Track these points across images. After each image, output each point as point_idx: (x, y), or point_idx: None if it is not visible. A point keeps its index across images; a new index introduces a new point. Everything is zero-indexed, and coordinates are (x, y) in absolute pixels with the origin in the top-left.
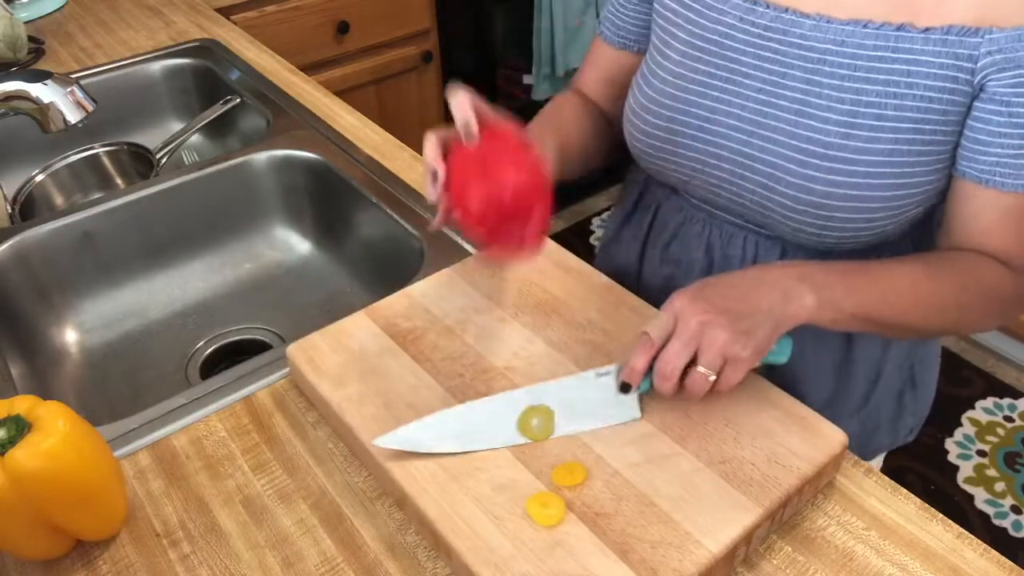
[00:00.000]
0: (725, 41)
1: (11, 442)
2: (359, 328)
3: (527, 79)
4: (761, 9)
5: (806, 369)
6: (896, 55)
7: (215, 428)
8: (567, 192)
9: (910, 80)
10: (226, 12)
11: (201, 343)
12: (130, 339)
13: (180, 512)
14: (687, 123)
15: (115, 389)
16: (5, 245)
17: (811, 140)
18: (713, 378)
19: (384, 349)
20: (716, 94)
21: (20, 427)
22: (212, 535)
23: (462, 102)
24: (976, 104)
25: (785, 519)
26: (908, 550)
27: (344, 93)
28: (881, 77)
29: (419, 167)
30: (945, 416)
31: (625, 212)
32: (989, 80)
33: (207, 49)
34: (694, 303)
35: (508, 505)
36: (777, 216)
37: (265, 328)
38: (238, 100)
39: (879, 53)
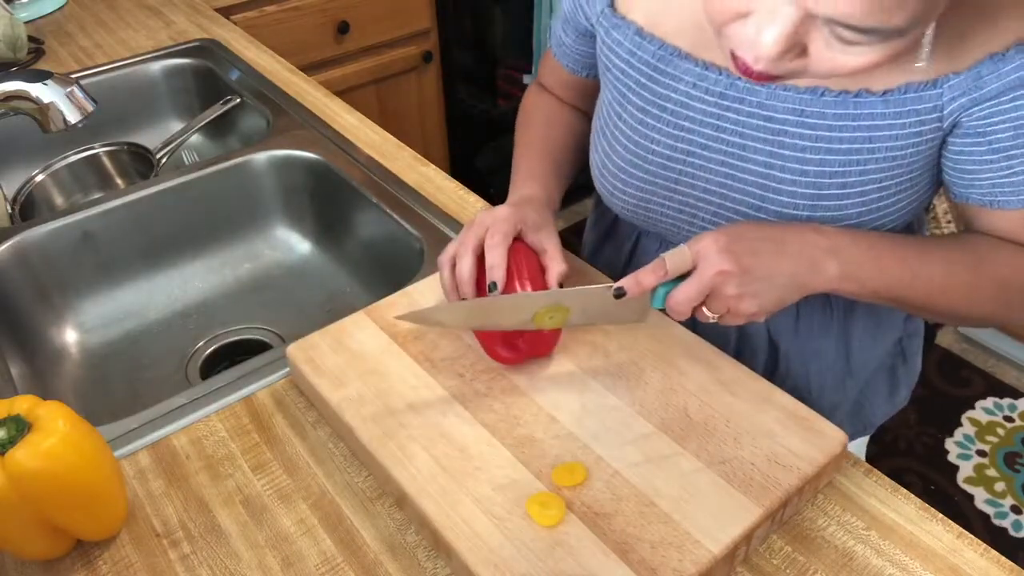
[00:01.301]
0: (680, 111)
1: (11, 442)
2: (359, 328)
3: (527, 79)
4: (714, 76)
5: (810, 374)
6: (857, 123)
7: (215, 428)
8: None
9: (872, 146)
10: (226, 12)
11: (201, 343)
12: (130, 339)
13: (180, 512)
14: (653, 192)
15: (115, 389)
16: (5, 245)
17: (780, 215)
18: (714, 319)
19: (384, 349)
20: (679, 167)
21: (20, 427)
22: (212, 535)
23: (497, 246)
24: (951, 140)
25: (785, 519)
26: (908, 550)
27: (344, 93)
28: (843, 147)
29: (419, 167)
30: (945, 416)
31: (597, 239)
32: (961, 118)
33: (207, 49)
34: (720, 254)
35: (508, 505)
36: None
37: (265, 328)
38: (238, 100)
39: (840, 123)
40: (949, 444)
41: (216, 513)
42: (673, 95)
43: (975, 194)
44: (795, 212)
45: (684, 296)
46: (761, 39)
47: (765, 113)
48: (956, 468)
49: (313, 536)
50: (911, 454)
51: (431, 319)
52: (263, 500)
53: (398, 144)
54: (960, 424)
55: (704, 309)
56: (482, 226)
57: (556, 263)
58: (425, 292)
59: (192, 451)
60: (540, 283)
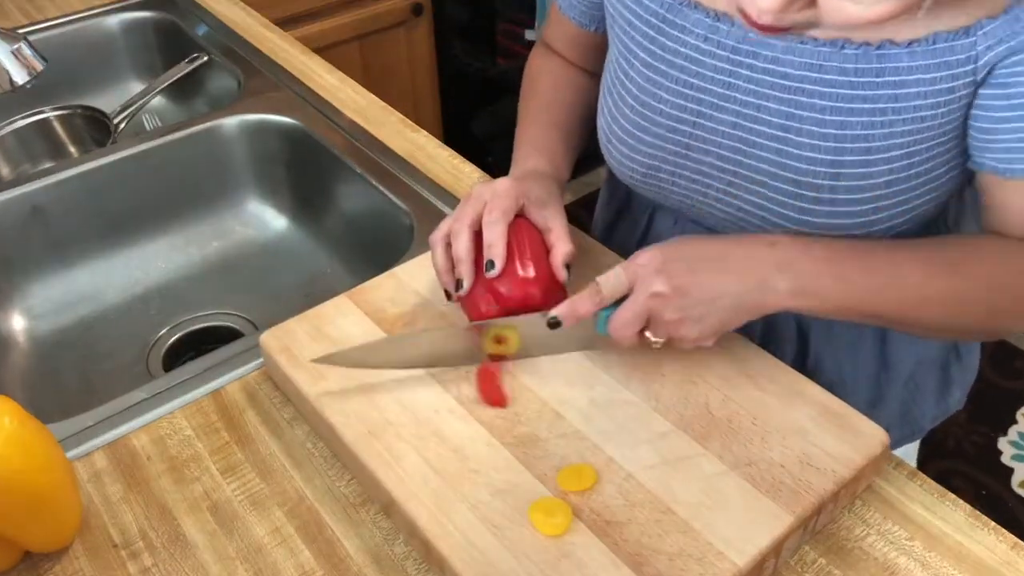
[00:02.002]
0: (690, 66)
1: None
2: (341, 314)
3: (529, 35)
4: (726, 27)
5: (842, 372)
6: (881, 78)
7: (180, 426)
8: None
9: (898, 105)
10: None
11: (164, 331)
12: (84, 326)
13: (141, 520)
14: (663, 159)
15: (67, 382)
16: None
17: (799, 183)
18: (659, 345)
19: (369, 337)
20: (688, 129)
21: None
22: (176, 546)
23: (496, 223)
24: (982, 91)
25: (819, 528)
26: (957, 562)
27: (324, 50)
28: (867, 106)
29: (408, 133)
30: (998, 413)
31: (609, 219)
32: (997, 69)
33: (171, 1)
34: (655, 275)
35: (508, 512)
36: (780, 231)
37: (236, 314)
38: (205, 58)
39: (862, 79)
40: (1003, 444)
41: (181, 521)
42: (682, 49)
43: (989, 159)
44: (815, 180)
45: (621, 321)
46: None
47: (780, 69)
48: (1010, 471)
49: (290, 547)
50: (960, 455)
51: (354, 360)
52: (233, 507)
53: (385, 107)
54: (1015, 422)
55: (647, 334)
56: (480, 200)
57: (562, 243)
58: (414, 273)
59: (154, 452)
60: (543, 264)
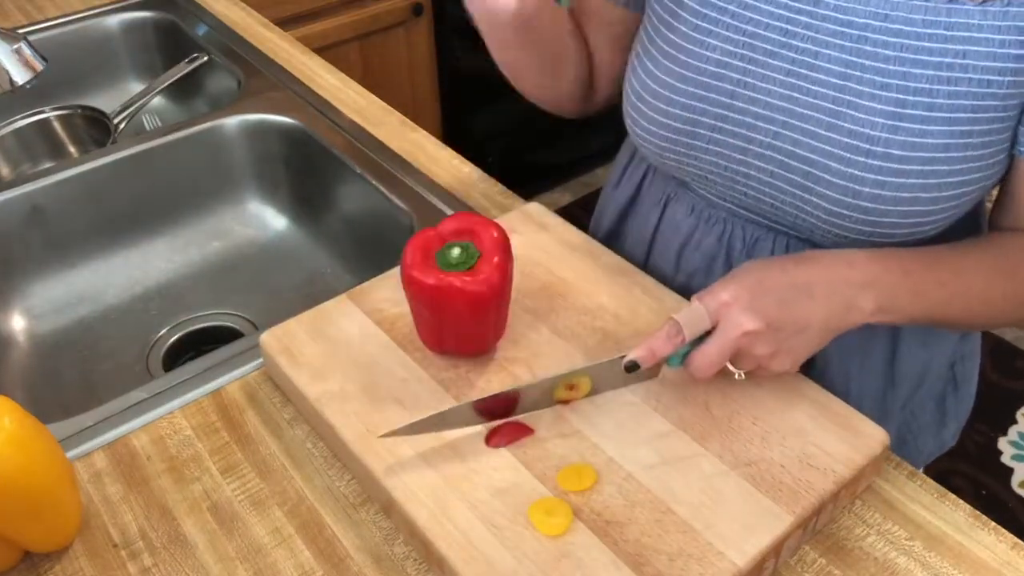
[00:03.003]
0: (743, 12)
1: None
2: (341, 314)
3: None
4: None
5: (849, 382)
6: (950, 32)
7: (180, 426)
8: (574, 162)
9: (965, 62)
10: None
11: (164, 331)
12: (84, 326)
13: (140, 520)
14: (704, 111)
15: (67, 382)
16: None
17: (853, 134)
18: (742, 377)
19: (369, 337)
20: (736, 76)
21: None
22: (176, 546)
23: None
24: None
25: (819, 528)
26: (957, 562)
27: (324, 50)
28: (933, 59)
29: (408, 133)
30: (998, 412)
31: (622, 205)
32: None
33: (171, 1)
34: (745, 312)
35: (508, 512)
36: (814, 219)
37: (236, 314)
38: (205, 58)
39: (929, 31)
40: (1003, 444)
41: (181, 521)
42: None
43: None
44: (872, 132)
45: (707, 361)
46: None
47: (843, 17)
48: (1011, 471)
49: (290, 547)
50: (960, 455)
51: (427, 428)
52: (233, 507)
53: (385, 107)
54: (1015, 421)
55: (730, 366)
56: None
57: None
58: None
59: (154, 452)
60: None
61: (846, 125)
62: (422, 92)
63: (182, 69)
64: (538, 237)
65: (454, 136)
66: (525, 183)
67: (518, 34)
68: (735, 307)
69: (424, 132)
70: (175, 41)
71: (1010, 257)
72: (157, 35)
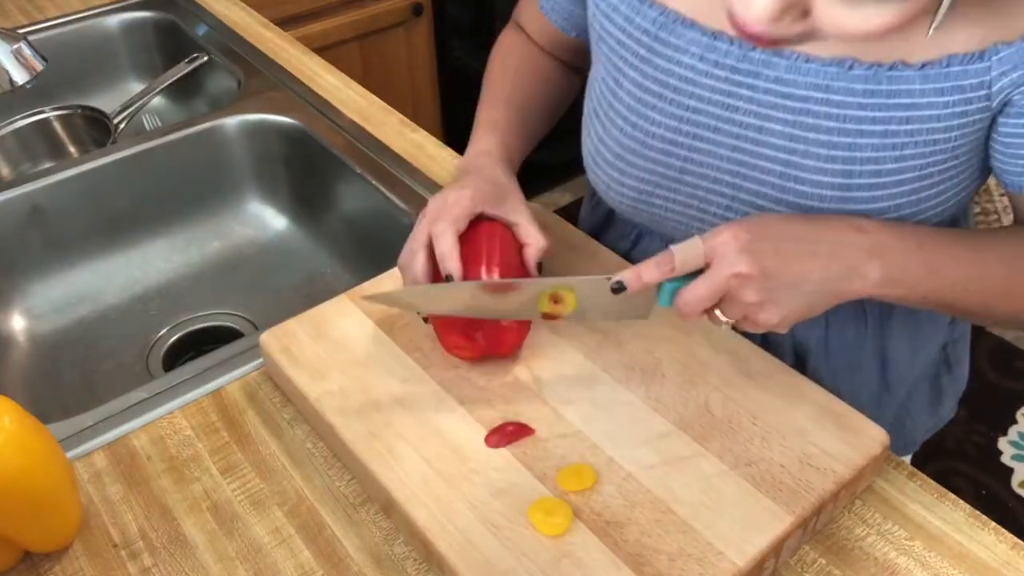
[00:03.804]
0: (685, 87)
1: None
2: (341, 314)
3: None
4: (724, 46)
5: (840, 392)
6: (892, 100)
7: (180, 426)
8: (574, 162)
9: (910, 127)
10: None
11: (164, 331)
12: (84, 326)
13: (140, 520)
14: (656, 183)
15: (67, 382)
16: None
17: (803, 208)
18: (728, 326)
19: (369, 337)
20: (684, 152)
21: None
22: (176, 546)
23: (443, 233)
24: (1001, 120)
25: (819, 528)
26: (957, 562)
27: (324, 50)
28: (877, 128)
29: (408, 133)
30: (998, 413)
31: (592, 230)
32: (1013, 95)
33: (171, 1)
34: (740, 254)
35: (508, 512)
36: None
37: (236, 314)
38: (205, 58)
39: (871, 100)
40: (1003, 444)
41: (181, 521)
42: (676, 69)
43: None
44: (820, 204)
45: (694, 296)
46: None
47: (784, 89)
48: (1010, 471)
49: (290, 547)
50: (960, 455)
51: (406, 301)
52: (233, 507)
53: (385, 107)
54: (1015, 421)
55: (717, 312)
56: (430, 216)
57: (535, 239)
58: None
59: (154, 452)
60: (515, 264)
61: (794, 200)
62: (422, 92)
63: (182, 69)
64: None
65: (454, 136)
66: (525, 183)
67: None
68: (732, 246)
69: (424, 132)
70: (175, 41)
71: None
72: (157, 35)
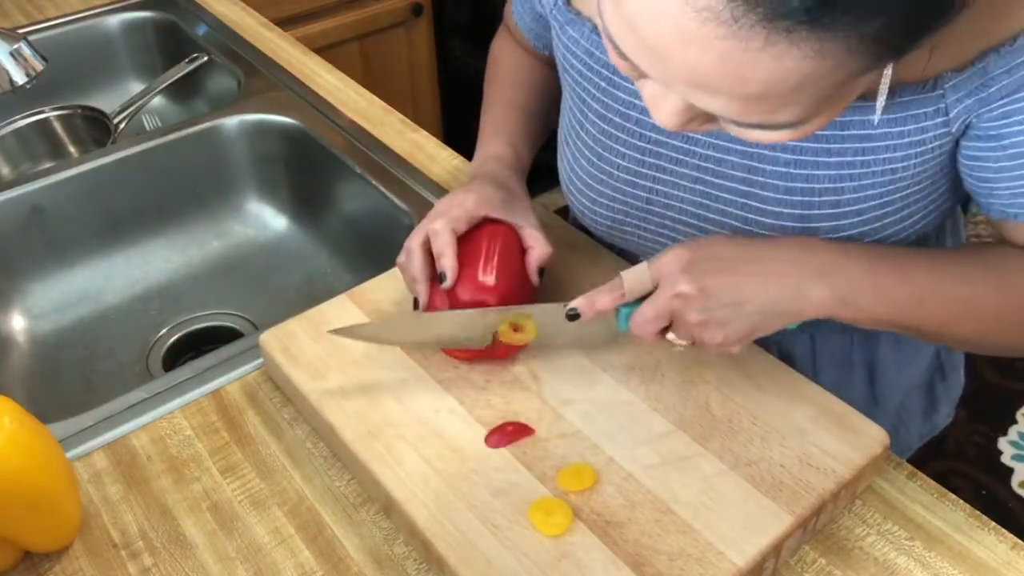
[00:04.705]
0: (646, 119)
1: None
2: (341, 314)
3: None
4: None
5: (829, 372)
6: (846, 132)
7: (180, 426)
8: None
9: (867, 158)
10: None
11: (164, 331)
12: (84, 326)
13: (140, 520)
14: (626, 212)
15: (67, 382)
16: None
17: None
18: (681, 348)
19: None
20: (649, 184)
21: None
22: (176, 546)
23: (440, 232)
24: (964, 143)
25: (819, 528)
26: (957, 562)
27: (324, 50)
28: (832, 159)
29: (408, 133)
30: (998, 413)
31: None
32: (971, 119)
33: (171, 1)
34: (680, 273)
35: (508, 512)
36: None
37: (236, 314)
38: (205, 58)
39: (826, 132)
40: (1003, 444)
41: (181, 521)
42: (637, 102)
43: (996, 204)
44: (784, 234)
45: (643, 318)
46: (659, 107)
47: None
48: (1010, 471)
49: (289, 547)
50: (960, 455)
51: (369, 335)
52: (233, 507)
53: (385, 107)
54: (1015, 422)
55: (670, 335)
56: (431, 215)
57: (539, 244)
58: None
59: (154, 452)
60: (511, 269)
61: (757, 230)
62: (422, 92)
63: (182, 69)
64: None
65: (454, 136)
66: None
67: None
68: (674, 267)
69: (424, 132)
70: (175, 41)
71: (1004, 267)
72: (157, 35)
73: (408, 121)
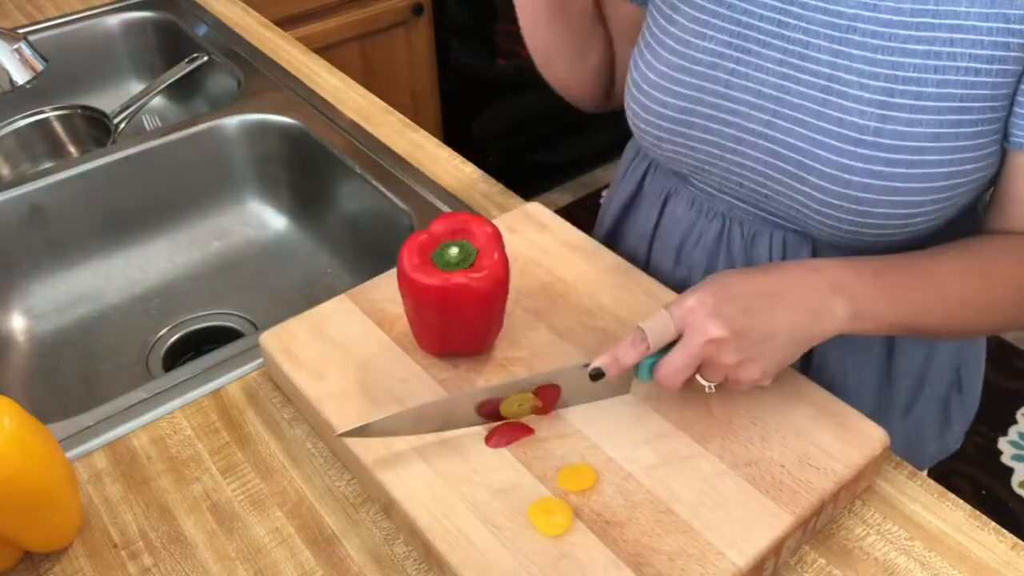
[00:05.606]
0: (740, 3)
1: None
2: (341, 313)
3: None
4: None
5: (846, 376)
6: (937, 20)
7: (180, 426)
8: (574, 162)
9: (953, 50)
10: None
11: (164, 331)
12: (84, 326)
13: (140, 520)
14: (700, 100)
15: (67, 382)
16: None
17: (843, 123)
18: (712, 389)
19: (369, 337)
20: (731, 65)
21: None
22: (176, 546)
23: None
24: None
25: (819, 528)
26: (957, 562)
27: (325, 50)
28: (920, 48)
29: (408, 133)
30: (998, 413)
31: (624, 202)
32: None
33: (171, 1)
34: (709, 319)
35: (508, 512)
36: (807, 210)
37: (236, 314)
38: (205, 58)
39: (917, 19)
40: (1003, 444)
41: (181, 521)
42: None
43: None
44: (860, 121)
45: (672, 368)
46: None
47: (833, 7)
48: (1011, 471)
49: (290, 547)
50: (960, 455)
51: (380, 430)
52: (233, 507)
53: (385, 108)
54: (1015, 422)
55: (699, 378)
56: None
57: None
58: None
59: (154, 452)
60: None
61: (835, 114)
62: (422, 92)
63: (182, 69)
64: (538, 237)
65: (454, 136)
66: (525, 183)
67: (552, 14)
68: (700, 314)
69: (424, 132)
70: (175, 41)
71: (985, 255)
72: (157, 35)
73: (408, 121)
